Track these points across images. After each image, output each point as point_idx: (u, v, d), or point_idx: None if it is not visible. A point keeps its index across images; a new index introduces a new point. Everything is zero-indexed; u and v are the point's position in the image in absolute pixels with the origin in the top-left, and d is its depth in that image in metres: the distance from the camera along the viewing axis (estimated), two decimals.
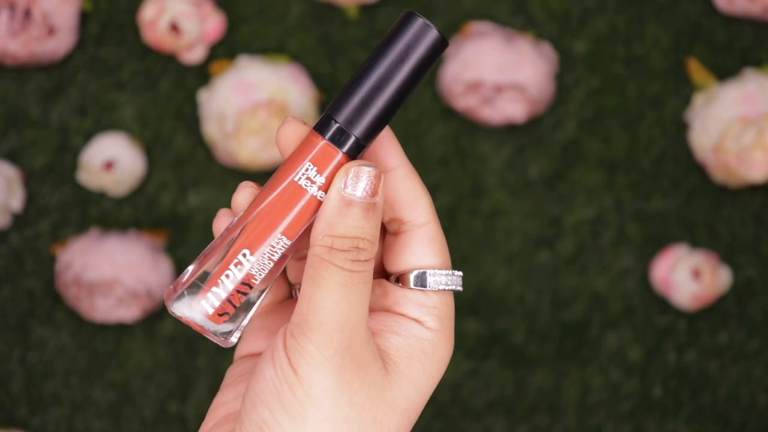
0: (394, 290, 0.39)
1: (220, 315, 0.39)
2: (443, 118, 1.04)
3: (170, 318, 1.04)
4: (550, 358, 1.04)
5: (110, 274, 0.99)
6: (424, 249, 0.39)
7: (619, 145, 1.05)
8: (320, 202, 0.37)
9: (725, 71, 1.04)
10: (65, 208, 1.04)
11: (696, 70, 1.04)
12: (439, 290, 0.38)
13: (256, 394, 0.36)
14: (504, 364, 1.05)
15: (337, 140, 0.37)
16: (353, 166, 0.37)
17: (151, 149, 1.04)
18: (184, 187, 1.04)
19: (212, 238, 0.40)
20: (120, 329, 1.04)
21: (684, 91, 1.04)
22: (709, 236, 1.04)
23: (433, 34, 0.37)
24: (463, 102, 1.01)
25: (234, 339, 0.39)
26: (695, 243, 1.04)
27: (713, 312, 1.04)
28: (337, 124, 0.37)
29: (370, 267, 0.37)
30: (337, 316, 0.36)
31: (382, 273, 0.41)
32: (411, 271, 0.39)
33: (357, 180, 0.37)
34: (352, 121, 0.37)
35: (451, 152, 1.05)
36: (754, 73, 1.01)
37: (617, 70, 1.05)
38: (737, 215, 1.05)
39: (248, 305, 0.39)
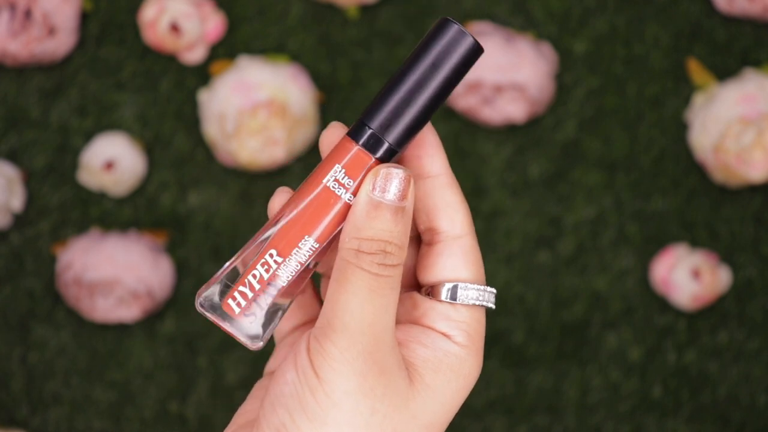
0: (423, 302, 0.38)
1: (247, 316, 0.38)
2: (443, 118, 1.04)
3: (170, 318, 1.04)
4: (550, 358, 1.04)
5: (110, 274, 0.99)
6: (456, 261, 0.38)
7: (619, 145, 1.05)
8: (350, 207, 0.37)
9: (725, 71, 1.04)
10: (65, 208, 1.04)
11: (696, 70, 1.04)
12: (469, 305, 0.37)
13: (276, 397, 0.35)
14: (504, 364, 1.05)
15: (370, 146, 0.37)
16: (383, 169, 0.36)
17: (151, 149, 1.04)
18: (185, 187, 1.04)
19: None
20: (120, 329, 1.04)
21: (684, 91, 1.04)
22: (709, 236, 1.04)
23: (468, 41, 0.36)
24: (463, 102, 1.01)
25: (261, 344, 0.39)
26: (695, 243, 1.04)
27: (713, 312, 1.04)
28: (371, 130, 0.37)
29: (397, 273, 0.36)
30: (361, 319, 0.35)
31: (415, 285, 0.40)
32: (442, 283, 0.38)
33: (386, 183, 0.36)
34: (385, 127, 0.37)
35: (451, 152, 1.05)
36: (754, 73, 1.01)
37: (617, 70, 1.05)
38: (737, 215, 1.05)
39: (276, 310, 0.38)
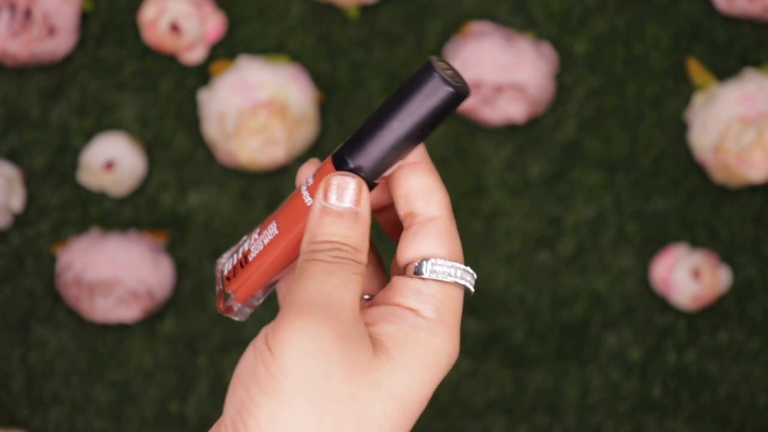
0: (398, 281, 0.38)
1: (227, 278, 0.41)
2: None
3: (170, 318, 1.04)
4: (550, 358, 1.04)
5: (110, 274, 0.99)
6: (431, 240, 0.38)
7: (619, 145, 1.05)
8: (307, 207, 0.39)
9: (725, 71, 1.04)
10: (65, 208, 1.04)
11: (696, 70, 1.04)
12: (439, 280, 0.37)
13: (237, 378, 0.36)
14: (504, 364, 1.05)
15: (341, 166, 0.38)
16: (333, 177, 0.37)
17: (151, 149, 1.04)
18: (185, 187, 1.04)
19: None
20: (120, 329, 1.04)
21: (684, 91, 1.04)
22: (709, 236, 1.04)
23: (446, 91, 0.36)
24: (464, 102, 1.01)
25: (222, 308, 0.42)
26: (695, 243, 1.04)
27: (713, 312, 1.04)
28: (347, 158, 0.38)
29: (355, 264, 0.37)
30: (317, 293, 0.35)
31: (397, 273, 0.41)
32: (415, 260, 0.38)
33: (338, 191, 0.37)
34: (360, 164, 0.38)
35: (451, 152, 1.05)
36: (754, 73, 1.01)
37: (617, 70, 1.05)
38: (737, 215, 1.05)
39: (246, 287, 0.41)
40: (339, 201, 0.37)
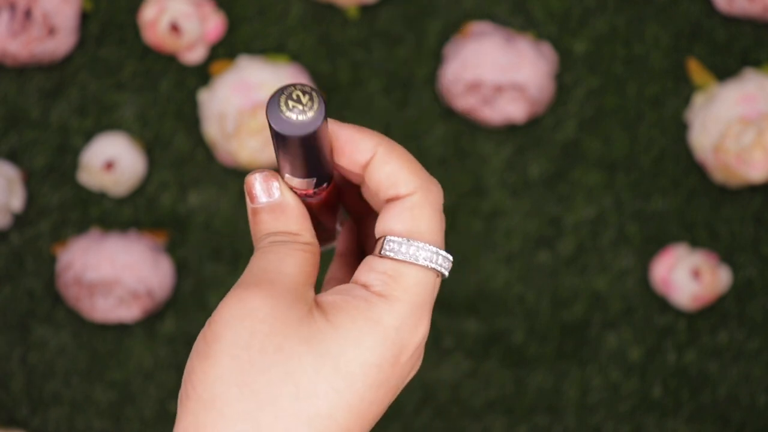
0: (364, 260, 0.38)
1: None
2: (443, 118, 1.04)
3: (170, 318, 1.04)
4: (550, 358, 1.04)
5: (110, 274, 0.99)
6: (391, 216, 0.37)
7: (619, 145, 1.05)
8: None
9: (725, 71, 1.04)
10: (66, 208, 1.04)
11: (696, 70, 1.04)
12: (390, 257, 0.37)
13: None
14: (504, 363, 1.05)
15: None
16: (246, 181, 0.38)
17: (151, 149, 1.04)
18: (185, 187, 1.04)
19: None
20: (120, 329, 1.04)
21: (684, 91, 1.04)
22: (709, 236, 1.04)
23: (276, 132, 0.35)
24: (463, 102, 1.01)
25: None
26: (695, 243, 1.04)
27: (713, 312, 1.04)
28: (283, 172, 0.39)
29: (295, 244, 0.38)
30: (255, 269, 0.37)
31: None
32: (378, 238, 0.38)
33: (252, 190, 0.38)
34: (284, 173, 0.39)
35: (451, 152, 1.05)
36: (753, 73, 1.01)
37: (617, 70, 1.05)
38: (737, 215, 1.05)
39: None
40: (256, 199, 0.38)
